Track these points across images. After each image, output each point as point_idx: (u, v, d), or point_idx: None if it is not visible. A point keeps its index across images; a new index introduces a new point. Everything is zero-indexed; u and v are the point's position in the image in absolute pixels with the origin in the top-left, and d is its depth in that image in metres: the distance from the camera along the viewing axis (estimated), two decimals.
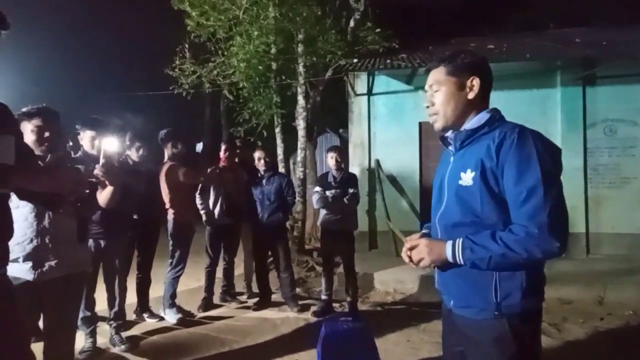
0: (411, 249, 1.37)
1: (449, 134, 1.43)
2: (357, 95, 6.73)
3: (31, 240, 1.90)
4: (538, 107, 6.08)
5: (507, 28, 9.20)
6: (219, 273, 4.44)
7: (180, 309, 3.92)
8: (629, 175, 5.94)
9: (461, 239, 1.27)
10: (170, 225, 3.89)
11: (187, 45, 6.15)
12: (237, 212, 4.27)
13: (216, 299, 4.40)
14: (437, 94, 1.41)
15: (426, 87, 1.47)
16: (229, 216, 4.22)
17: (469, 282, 1.32)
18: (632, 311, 4.01)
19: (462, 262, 1.27)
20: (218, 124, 13.15)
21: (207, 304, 4.20)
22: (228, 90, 6.57)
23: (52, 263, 1.93)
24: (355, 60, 6.38)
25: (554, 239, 1.17)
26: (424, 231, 1.54)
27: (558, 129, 5.96)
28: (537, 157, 1.20)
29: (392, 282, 4.88)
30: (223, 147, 4.32)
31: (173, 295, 3.89)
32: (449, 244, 1.30)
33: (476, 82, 1.36)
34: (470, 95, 1.37)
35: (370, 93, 6.69)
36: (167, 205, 3.87)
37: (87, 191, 1.82)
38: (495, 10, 11.20)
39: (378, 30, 6.58)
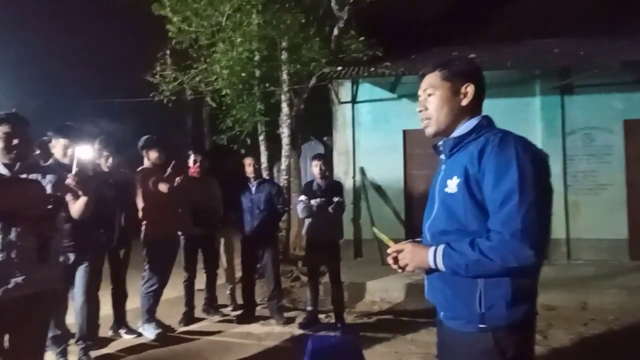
0: (397, 252, 1.37)
1: (441, 142, 1.41)
2: (341, 103, 6.73)
3: None
4: (519, 115, 6.21)
5: (487, 38, 9.43)
6: (202, 285, 4.30)
7: (160, 324, 3.75)
8: (606, 181, 6.09)
9: (442, 246, 1.27)
10: (142, 236, 3.73)
11: (168, 52, 6.03)
12: (208, 222, 4.12)
13: (199, 312, 4.25)
14: (430, 99, 1.39)
15: (419, 92, 1.44)
16: (199, 226, 4.06)
17: (455, 291, 1.30)
18: (615, 316, 4.06)
19: (442, 268, 1.26)
20: (201, 132, 12.96)
21: (189, 318, 4.05)
22: (210, 98, 6.47)
23: (19, 279, 1.79)
24: (339, 68, 6.39)
25: (527, 246, 1.13)
26: (416, 239, 1.52)
27: (538, 137, 6.08)
28: (517, 162, 1.18)
29: (378, 291, 4.83)
30: (192, 156, 4.15)
31: (150, 310, 3.71)
32: (431, 250, 1.29)
33: (470, 88, 1.35)
34: (464, 102, 1.36)
35: (354, 101, 6.70)
36: (140, 215, 3.70)
37: (49, 207, 1.68)
38: (476, 22, 11.49)
39: (362, 38, 6.62)
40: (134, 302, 3.82)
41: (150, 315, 3.71)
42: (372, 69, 6.34)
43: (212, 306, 4.33)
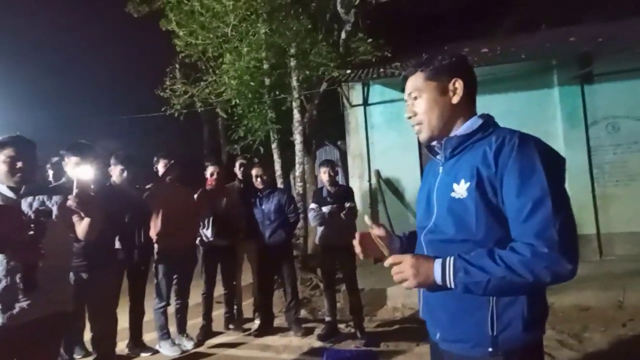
0: (394, 265, 1.16)
1: (436, 142, 1.27)
2: (352, 106, 6.64)
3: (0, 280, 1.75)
4: (537, 107, 5.97)
5: (499, 31, 9.19)
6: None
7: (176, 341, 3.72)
8: (637, 172, 5.77)
9: (452, 258, 1.09)
10: (155, 252, 3.71)
11: (177, 65, 6.10)
12: (231, 233, 4.08)
13: (220, 326, 4.20)
14: (417, 102, 1.26)
15: (405, 97, 1.32)
16: (221, 237, 4.02)
17: (460, 310, 1.14)
18: None
19: (453, 286, 1.08)
20: (217, 143, 13.11)
21: (206, 332, 4.00)
22: (221, 108, 6.50)
23: (24, 304, 1.77)
24: (348, 71, 6.31)
25: (566, 260, 1.00)
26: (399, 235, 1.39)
27: (559, 128, 5.84)
28: (542, 164, 1.05)
29: (400, 297, 4.67)
30: (210, 169, 4.08)
31: (163, 327, 3.68)
32: (438, 263, 1.11)
33: (459, 84, 1.22)
34: (455, 100, 1.22)
35: (365, 103, 6.61)
36: (152, 230, 3.67)
37: (31, 233, 1.63)
38: (487, 14, 11.22)
39: (370, 40, 6.53)
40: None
41: (163, 331, 3.68)
42: (382, 69, 6.25)
43: (232, 320, 4.27)
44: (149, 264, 3.75)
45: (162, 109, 6.30)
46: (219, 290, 4.25)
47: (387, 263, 1.19)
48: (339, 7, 6.34)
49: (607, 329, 3.59)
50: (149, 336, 3.84)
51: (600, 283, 4.43)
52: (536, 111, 5.90)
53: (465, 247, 1.11)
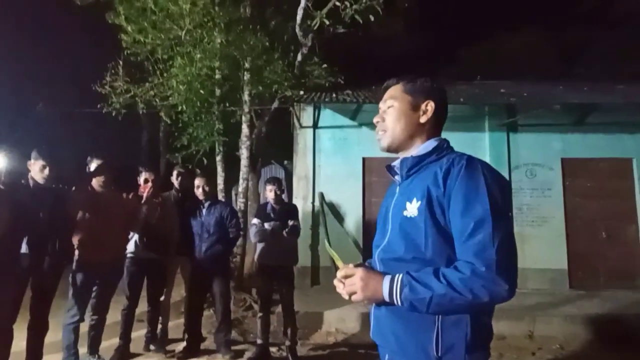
0: (346, 277, 1.18)
1: (396, 162, 1.32)
2: (302, 127, 6.72)
3: None
4: (470, 149, 6.29)
5: (442, 77, 10.04)
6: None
7: None
8: (547, 214, 6.49)
9: (400, 275, 1.12)
10: (74, 261, 3.30)
11: (120, 62, 5.72)
12: (162, 246, 3.78)
13: (140, 347, 3.83)
14: (389, 110, 1.33)
15: (380, 104, 1.38)
16: (151, 250, 3.71)
17: (407, 330, 1.16)
18: (560, 345, 4.20)
19: (399, 303, 1.10)
20: (156, 149, 12.38)
21: (122, 354, 3.61)
22: (166, 113, 6.19)
23: None
24: (301, 92, 6.41)
25: (503, 279, 1.03)
26: (366, 263, 1.37)
27: None
28: (486, 187, 1.10)
29: (334, 321, 4.67)
30: (144, 175, 3.79)
31: (71, 347, 3.25)
32: (387, 279, 1.13)
33: (430, 106, 1.30)
34: (423, 119, 1.30)
35: (315, 126, 6.73)
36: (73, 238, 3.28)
37: None
38: (432, 62, 12.30)
39: (324, 66, 6.73)
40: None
41: (70, 352, 3.24)
42: (334, 95, 6.44)
43: (155, 341, 3.91)
44: (60, 274, 3.27)
45: (99, 106, 5.83)
46: (142, 307, 3.90)
47: (339, 274, 1.20)
48: (297, 30, 6.47)
49: (518, 357, 3.89)
50: (52, 358, 3.37)
51: (514, 314, 4.81)
52: (469, 152, 6.31)
53: (414, 266, 1.14)
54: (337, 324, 4.63)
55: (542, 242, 6.32)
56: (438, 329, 1.11)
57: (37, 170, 3.07)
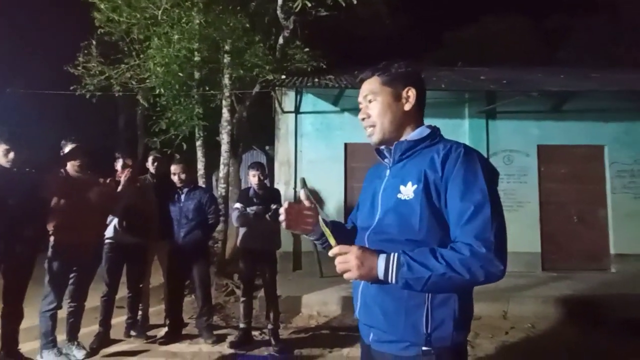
0: (339, 254, 1.17)
1: (383, 147, 1.33)
2: (284, 112, 6.65)
3: None
4: (451, 134, 6.33)
5: (425, 63, 10.08)
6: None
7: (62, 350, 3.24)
8: (523, 199, 6.68)
9: (396, 254, 1.12)
10: (50, 247, 3.22)
11: (94, 42, 5.47)
12: (141, 231, 3.71)
13: (120, 334, 3.79)
14: (372, 105, 1.31)
15: (359, 99, 1.37)
16: (130, 235, 3.63)
17: (397, 310, 1.17)
18: (531, 324, 4.39)
19: (395, 281, 1.11)
20: (134, 134, 12.06)
21: (102, 340, 3.57)
22: (143, 97, 5.99)
23: None
24: (283, 77, 6.31)
25: (499, 260, 1.09)
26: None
27: None
28: (483, 174, 1.15)
29: (315, 305, 4.73)
30: (120, 160, 3.72)
31: (48, 334, 3.19)
32: (382, 258, 1.13)
33: (412, 92, 1.30)
34: (407, 107, 1.30)
35: (297, 111, 6.67)
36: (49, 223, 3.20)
37: None
38: (414, 47, 12.31)
39: (307, 49, 6.63)
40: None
41: (48, 339, 3.19)
42: (316, 79, 6.37)
43: (135, 327, 3.88)
44: (34, 261, 3.19)
45: (72, 88, 5.59)
46: (122, 293, 3.85)
47: (332, 252, 1.18)
48: (278, 12, 6.33)
49: (493, 336, 4.05)
50: (29, 345, 3.31)
51: (490, 296, 4.98)
52: (449, 138, 6.53)
53: (407, 247, 1.16)
54: (319, 307, 4.70)
55: (517, 226, 6.49)
56: (428, 307, 1.15)
57: (0, 154, 2.95)
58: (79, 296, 3.36)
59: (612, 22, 12.48)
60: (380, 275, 1.14)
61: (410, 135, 1.30)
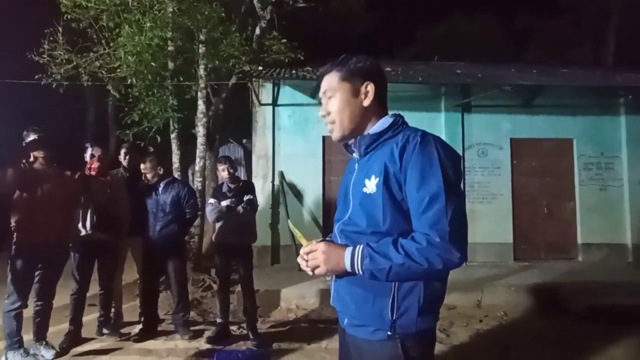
0: (309, 253, 1.24)
1: (352, 141, 1.33)
2: (261, 105, 6.55)
3: None
4: (427, 128, 6.56)
5: (400, 57, 10.15)
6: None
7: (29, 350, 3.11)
8: (496, 192, 6.86)
9: (361, 247, 1.18)
10: (13, 244, 3.05)
11: (60, 29, 5.19)
12: (113, 226, 3.57)
13: (92, 332, 3.67)
14: (331, 101, 1.31)
15: (320, 94, 1.36)
16: (102, 231, 3.48)
17: (365, 297, 1.22)
18: (504, 312, 4.53)
19: (361, 272, 1.17)
20: (105, 126, 11.60)
21: (73, 338, 3.43)
22: (114, 87, 5.76)
23: None
24: (260, 68, 6.21)
25: (455, 248, 1.11)
26: (327, 238, 1.40)
27: None
28: (439, 162, 1.15)
29: (294, 298, 4.72)
30: (89, 150, 3.56)
31: (13, 334, 3.05)
32: (348, 251, 1.19)
33: (370, 87, 1.28)
34: (366, 102, 1.29)
35: (275, 104, 6.58)
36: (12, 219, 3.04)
37: None
38: (388, 42, 12.40)
39: (284, 40, 6.54)
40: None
41: (13, 339, 3.04)
42: (294, 71, 6.30)
43: (108, 325, 3.75)
44: None
45: (37, 77, 5.30)
46: (94, 290, 3.71)
47: (302, 251, 1.25)
48: (255, 1, 6.20)
49: (468, 324, 4.16)
50: None
51: (464, 286, 5.12)
52: (426, 131, 6.62)
53: (374, 238, 1.19)
54: (297, 300, 4.69)
55: (490, 218, 6.70)
56: (394, 295, 1.18)
57: None
58: (45, 295, 3.21)
59: (574, 23, 12.96)
60: (347, 267, 1.19)
61: (372, 128, 1.30)
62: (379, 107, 1.31)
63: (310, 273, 1.25)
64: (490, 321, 4.28)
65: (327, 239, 1.38)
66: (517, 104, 6.83)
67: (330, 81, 1.31)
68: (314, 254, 1.23)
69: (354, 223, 1.25)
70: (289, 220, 1.43)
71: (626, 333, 3.75)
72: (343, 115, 1.28)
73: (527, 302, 4.81)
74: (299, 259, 1.28)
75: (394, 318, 1.17)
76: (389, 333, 1.18)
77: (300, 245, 1.29)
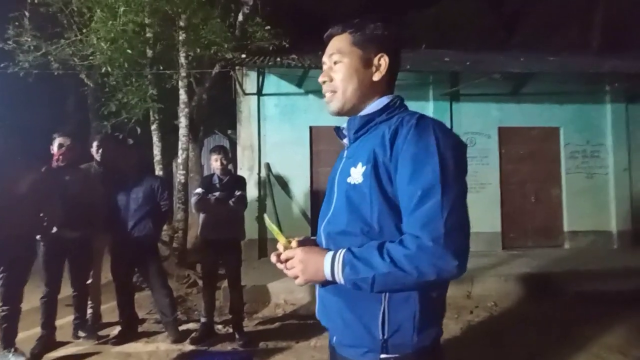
0: (287, 259, 1.05)
1: (344, 125, 1.15)
2: (246, 94, 6.34)
3: None
4: None
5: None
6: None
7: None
8: (485, 181, 6.83)
9: (342, 252, 0.99)
10: None
11: (26, 13, 4.86)
12: (82, 223, 3.33)
13: (68, 335, 3.48)
14: (337, 67, 1.11)
15: (324, 58, 1.16)
16: (70, 227, 3.25)
17: (354, 311, 1.02)
18: (494, 302, 4.50)
19: (342, 282, 0.98)
20: (86, 116, 11.15)
21: (46, 343, 3.23)
22: (87, 75, 5.47)
23: None
24: (243, 56, 5.97)
25: (451, 255, 0.90)
26: (312, 237, 1.20)
27: None
28: (437, 149, 0.95)
29: (282, 293, 4.60)
30: (58, 141, 3.30)
31: None
32: (328, 257, 1.00)
33: (384, 61, 1.10)
34: (376, 77, 1.10)
35: (260, 93, 6.38)
36: None
37: None
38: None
39: (268, 27, 6.30)
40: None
41: None
42: (279, 59, 6.09)
43: (84, 328, 3.55)
44: None
45: (2, 65, 4.97)
46: (67, 292, 3.51)
47: (282, 257, 1.06)
48: None
49: (459, 316, 4.11)
50: None
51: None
52: None
53: (360, 240, 1.00)
54: (286, 295, 4.57)
55: (479, 207, 6.66)
56: (384, 309, 0.98)
57: None
58: (11, 298, 2.98)
59: (563, 6, 12.92)
60: (328, 277, 1.00)
61: (367, 108, 1.11)
62: (388, 85, 1.12)
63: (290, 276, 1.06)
64: (481, 312, 4.25)
65: (312, 237, 1.18)
66: (505, 92, 6.78)
67: (340, 44, 1.11)
68: (291, 262, 1.04)
69: (338, 221, 1.07)
70: (265, 216, 1.20)
71: (615, 316, 3.82)
72: (348, 84, 1.09)
73: (517, 291, 4.80)
74: (273, 259, 1.08)
75: (385, 337, 0.98)
76: (381, 356, 0.99)
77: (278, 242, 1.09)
